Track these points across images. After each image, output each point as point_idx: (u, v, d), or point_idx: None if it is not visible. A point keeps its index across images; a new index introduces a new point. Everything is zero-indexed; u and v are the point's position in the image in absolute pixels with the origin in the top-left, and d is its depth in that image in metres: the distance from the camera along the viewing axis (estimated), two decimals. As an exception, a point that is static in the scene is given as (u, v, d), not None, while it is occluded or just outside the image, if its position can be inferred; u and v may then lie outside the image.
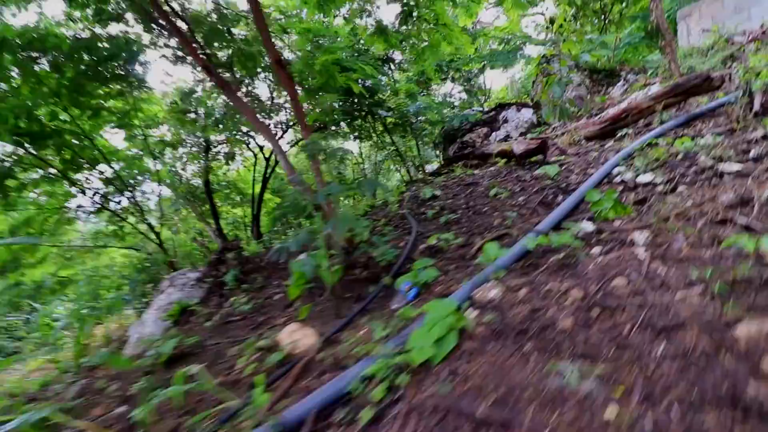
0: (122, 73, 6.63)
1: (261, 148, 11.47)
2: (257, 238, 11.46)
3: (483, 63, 11.81)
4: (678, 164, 3.19)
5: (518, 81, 16.74)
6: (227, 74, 6.72)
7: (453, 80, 12.97)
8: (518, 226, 3.24)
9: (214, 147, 10.94)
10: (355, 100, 8.64)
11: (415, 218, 4.46)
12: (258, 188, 11.71)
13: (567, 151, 5.20)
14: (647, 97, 4.98)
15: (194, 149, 11.35)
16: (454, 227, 3.76)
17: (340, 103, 8.73)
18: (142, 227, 8.55)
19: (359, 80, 8.08)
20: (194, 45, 4.94)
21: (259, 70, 7.25)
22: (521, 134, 9.52)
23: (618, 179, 3.36)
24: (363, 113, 9.05)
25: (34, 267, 8.10)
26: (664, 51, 7.31)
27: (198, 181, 11.57)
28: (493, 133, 10.29)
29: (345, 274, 3.54)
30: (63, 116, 6.95)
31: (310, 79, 7.70)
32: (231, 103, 6.97)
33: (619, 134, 5.01)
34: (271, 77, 8.06)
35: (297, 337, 2.41)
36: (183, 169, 11.76)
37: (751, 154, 2.81)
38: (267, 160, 11.57)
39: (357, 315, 2.71)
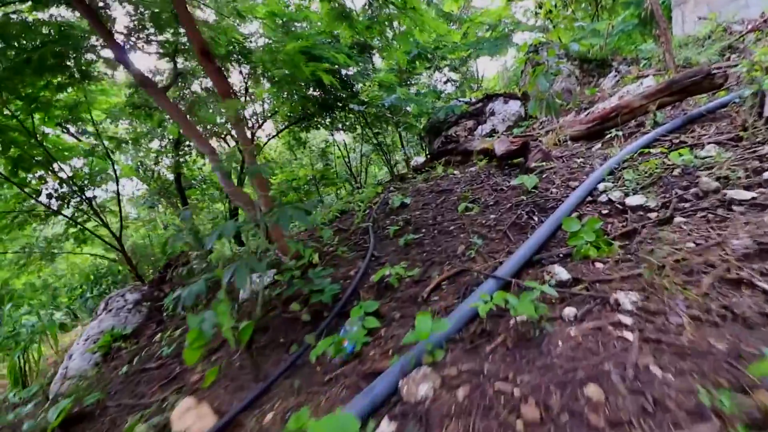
0: (66, 62, 5.90)
1: (236, 141, 10.81)
2: (237, 236, 10.88)
3: (470, 51, 11.09)
4: (674, 183, 2.63)
5: (510, 69, 16.00)
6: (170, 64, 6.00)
7: (439, 69, 12.25)
8: (483, 254, 2.69)
9: (186, 140, 10.23)
10: (331, 91, 7.96)
11: (377, 234, 3.89)
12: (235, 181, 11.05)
13: (550, 154, 4.63)
14: (639, 95, 4.39)
15: (164, 143, 10.62)
16: (414, 251, 3.19)
17: (312, 95, 8.05)
18: (104, 230, 7.92)
19: (336, 70, 7.40)
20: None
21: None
22: (508, 128, 8.92)
23: (604, 197, 2.81)
24: (339, 105, 8.38)
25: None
26: (659, 40, 6.70)
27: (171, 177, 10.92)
28: (479, 127, 9.68)
29: (283, 308, 2.99)
30: (5, 111, 6.27)
31: (273, 69, 7.01)
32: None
33: (607, 136, 4.44)
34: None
35: (189, 420, 1.86)
36: (155, 164, 11.07)
37: (766, 175, 2.26)
38: (241, 152, 10.93)
39: (278, 378, 2.17)
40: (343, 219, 5.77)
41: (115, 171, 8.02)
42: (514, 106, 9.57)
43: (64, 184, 7.40)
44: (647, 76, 7.11)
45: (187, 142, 10.35)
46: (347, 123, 10.24)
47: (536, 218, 2.96)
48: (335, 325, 2.65)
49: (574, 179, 3.45)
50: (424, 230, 3.52)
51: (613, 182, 2.97)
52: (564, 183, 3.45)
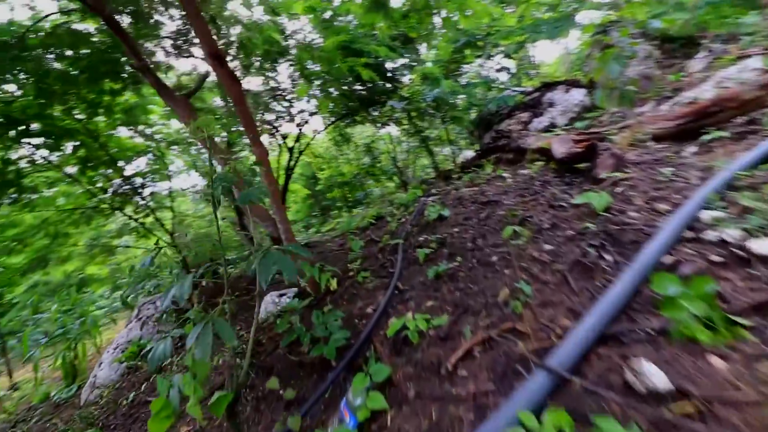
0: (118, 69, 5.95)
1: (284, 137, 10.68)
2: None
3: (526, 35, 9.94)
4: (832, 219, 1.76)
5: (572, 53, 14.38)
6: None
7: (491, 57, 11.19)
8: (533, 308, 2.01)
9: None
10: (371, 86, 7.42)
11: (407, 255, 3.30)
12: (282, 180, 10.96)
13: (625, 159, 3.72)
14: (755, 84, 3.34)
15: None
16: (445, 287, 2.57)
17: (353, 91, 7.54)
18: (159, 226, 8.15)
19: (380, 63, 6.83)
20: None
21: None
22: (570, 120, 7.82)
23: (712, 235, 1.99)
24: (381, 101, 7.82)
25: (59, 265, 7.94)
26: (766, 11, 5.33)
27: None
28: (535, 120, 8.65)
29: (289, 350, 2.53)
30: (77, 115, 6.59)
31: (310, 66, 6.59)
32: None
33: (706, 137, 3.45)
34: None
35: None
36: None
37: None
38: (290, 150, 10.78)
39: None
40: (378, 226, 5.25)
41: (168, 175, 8.18)
42: (578, 95, 8.39)
43: (126, 182, 7.67)
44: (751, 56, 5.73)
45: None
46: (392, 118, 9.67)
47: (609, 257, 2.20)
48: (342, 382, 2.14)
49: (662, 199, 2.60)
50: (459, 258, 2.87)
51: (725, 211, 2.12)
52: (648, 204, 2.61)
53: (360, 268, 3.30)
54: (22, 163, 6.29)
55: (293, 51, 6.43)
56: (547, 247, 2.57)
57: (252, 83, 7.88)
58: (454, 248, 3.08)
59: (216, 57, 2.83)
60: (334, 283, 2.88)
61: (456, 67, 10.27)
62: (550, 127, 7.63)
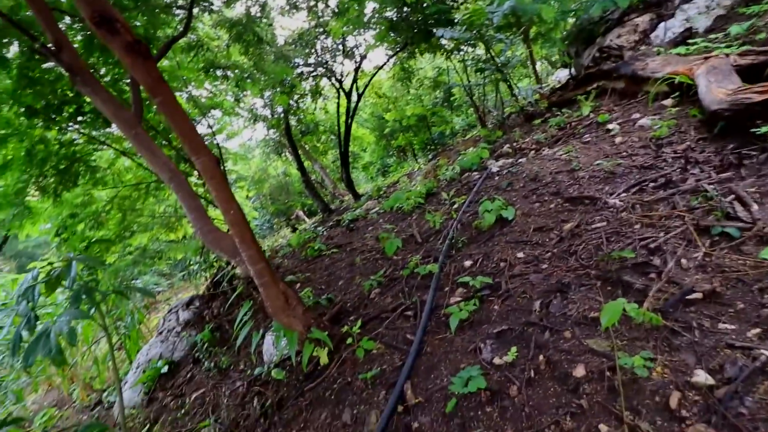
0: None
1: (340, 82, 9.42)
2: (348, 185, 10.05)
3: None
4: None
5: None
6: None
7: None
8: None
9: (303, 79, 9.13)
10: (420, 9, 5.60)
11: (435, 308, 2.14)
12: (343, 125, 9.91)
13: None
14: None
15: (278, 89, 9.67)
16: (479, 421, 1.43)
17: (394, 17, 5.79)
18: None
19: None
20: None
21: None
22: (718, 23, 5.18)
23: None
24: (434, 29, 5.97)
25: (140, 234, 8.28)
26: None
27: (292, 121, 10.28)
28: (660, 26, 6.05)
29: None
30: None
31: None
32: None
33: None
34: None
35: None
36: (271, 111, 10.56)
37: None
38: (348, 94, 9.53)
39: None
40: (428, 205, 4.03)
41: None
42: (737, -23, 5.47)
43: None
44: None
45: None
46: (458, 46, 7.62)
47: None
48: None
49: None
50: (515, 346, 1.62)
51: None
52: None
53: (366, 320, 2.23)
54: (80, 142, 6.14)
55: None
56: (701, 375, 1.21)
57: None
58: (508, 315, 1.81)
59: (104, 21, 1.72)
60: (324, 356, 1.93)
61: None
62: (687, 39, 5.08)
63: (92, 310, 1.59)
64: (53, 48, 2.18)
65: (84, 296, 1.44)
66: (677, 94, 3.60)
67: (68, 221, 6.63)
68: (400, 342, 1.94)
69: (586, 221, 2.20)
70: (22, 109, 4.76)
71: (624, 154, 2.89)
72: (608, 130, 3.68)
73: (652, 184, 2.29)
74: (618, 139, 3.27)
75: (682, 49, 4.46)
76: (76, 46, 4.75)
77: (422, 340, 1.85)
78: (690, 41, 4.66)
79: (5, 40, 4.04)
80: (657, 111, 3.62)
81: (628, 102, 4.49)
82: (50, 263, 1.49)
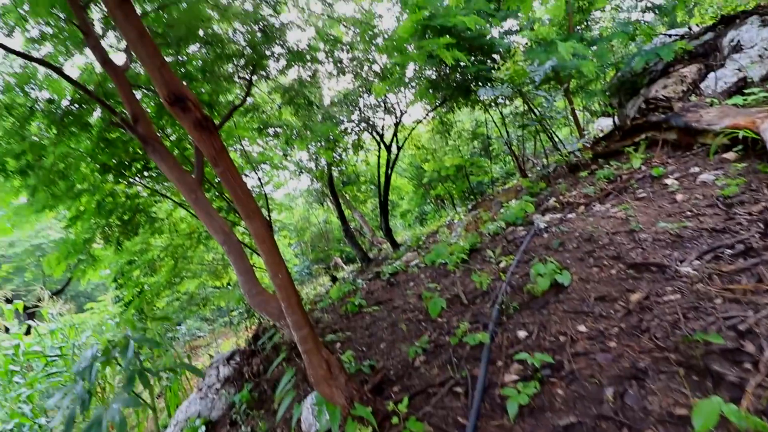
0: None
1: (381, 135, 9.78)
2: (386, 233, 10.10)
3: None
4: None
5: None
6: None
7: (633, -7, 8.14)
8: None
9: (345, 134, 9.62)
10: (460, 68, 5.80)
11: (489, 388, 1.96)
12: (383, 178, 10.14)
13: None
14: None
15: (322, 143, 10.19)
16: None
17: (441, 76, 6.04)
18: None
19: (468, 37, 5.21)
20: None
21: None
22: (775, 70, 4.95)
23: None
24: (474, 85, 6.14)
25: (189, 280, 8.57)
26: None
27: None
28: (710, 76, 5.84)
29: None
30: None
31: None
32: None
33: None
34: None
35: None
36: (315, 163, 11.09)
37: None
38: (388, 147, 9.84)
39: None
40: (472, 261, 3.87)
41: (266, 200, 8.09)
42: (793, 27, 5.31)
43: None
44: None
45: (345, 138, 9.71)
46: (496, 100, 7.77)
47: None
48: None
49: None
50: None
51: None
52: None
53: (412, 393, 2.08)
54: (144, 195, 6.66)
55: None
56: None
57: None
58: (575, 403, 1.61)
59: (177, 100, 1.88)
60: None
61: (581, 19, 7.67)
62: (741, 87, 4.87)
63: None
64: (130, 120, 2.42)
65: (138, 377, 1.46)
66: (740, 147, 3.37)
67: (125, 267, 7.02)
68: (451, 425, 1.76)
69: (655, 292, 1.98)
70: (98, 166, 5.25)
71: (689, 213, 2.66)
72: (665, 185, 3.46)
73: (728, 251, 2.05)
74: (679, 197, 3.04)
75: (738, 100, 4.25)
76: (148, 110, 5.31)
77: (476, 426, 1.67)
78: (746, 91, 4.44)
79: (87, 107, 4.55)
80: (718, 165, 3.38)
81: (683, 155, 4.25)
82: (109, 341, 1.54)
